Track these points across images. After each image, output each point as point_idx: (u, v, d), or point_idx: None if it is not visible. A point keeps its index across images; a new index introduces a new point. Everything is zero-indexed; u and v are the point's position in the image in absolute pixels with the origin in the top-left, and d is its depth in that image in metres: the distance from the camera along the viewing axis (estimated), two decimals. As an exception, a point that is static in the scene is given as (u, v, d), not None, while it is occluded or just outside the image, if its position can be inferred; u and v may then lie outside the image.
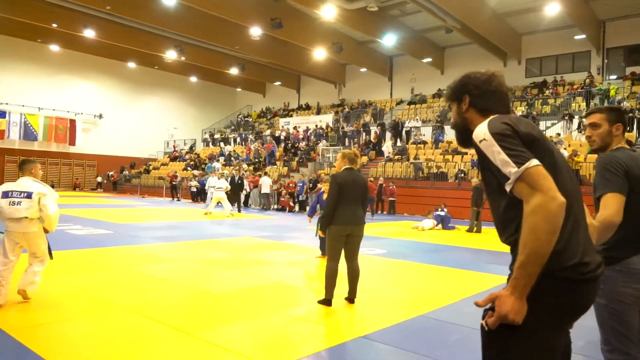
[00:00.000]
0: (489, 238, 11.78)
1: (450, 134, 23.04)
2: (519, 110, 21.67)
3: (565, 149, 16.71)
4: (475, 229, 12.95)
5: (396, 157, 22.38)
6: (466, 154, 20.12)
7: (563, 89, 23.48)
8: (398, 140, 24.25)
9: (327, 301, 4.90)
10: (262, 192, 20.38)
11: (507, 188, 1.54)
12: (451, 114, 1.94)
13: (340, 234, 4.81)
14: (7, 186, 4.59)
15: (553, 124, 20.79)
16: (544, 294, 1.52)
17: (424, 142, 23.18)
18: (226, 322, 4.38)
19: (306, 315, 4.63)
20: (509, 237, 1.63)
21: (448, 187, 18.79)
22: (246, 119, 37.77)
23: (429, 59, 27.82)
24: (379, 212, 19.08)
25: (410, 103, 28.55)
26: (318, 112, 32.99)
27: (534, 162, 1.51)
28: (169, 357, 3.46)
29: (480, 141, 1.61)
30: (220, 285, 5.79)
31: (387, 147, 23.23)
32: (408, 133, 24.37)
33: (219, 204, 16.61)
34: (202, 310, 4.74)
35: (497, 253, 9.04)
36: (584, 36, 22.74)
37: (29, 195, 4.45)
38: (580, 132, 18.59)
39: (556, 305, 1.54)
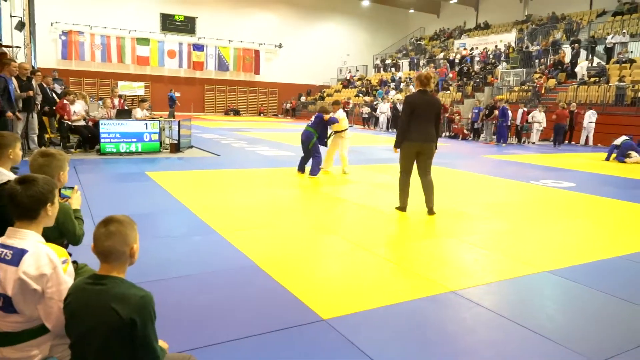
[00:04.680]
0: None
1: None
2: None
3: None
4: None
5: (592, 79, 19.38)
6: (690, 73, 16.42)
7: None
8: (595, 59, 20.83)
9: (400, 208, 5.55)
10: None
11: None
12: None
13: (410, 150, 5.31)
14: None
15: None
16: None
17: (632, 61, 19.48)
18: (400, 241, 4.51)
19: (483, 243, 4.49)
20: None
21: (659, 115, 15.79)
22: (418, 42, 36.24)
23: (648, -45, 22.63)
24: (568, 142, 17.06)
25: (615, 14, 23.94)
26: (498, 32, 29.92)
27: None
28: (346, 267, 3.73)
29: None
30: (392, 206, 5.90)
31: (581, 67, 20.20)
32: (610, 50, 20.72)
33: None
34: (377, 228, 4.94)
35: None
36: None
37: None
38: None
39: None
